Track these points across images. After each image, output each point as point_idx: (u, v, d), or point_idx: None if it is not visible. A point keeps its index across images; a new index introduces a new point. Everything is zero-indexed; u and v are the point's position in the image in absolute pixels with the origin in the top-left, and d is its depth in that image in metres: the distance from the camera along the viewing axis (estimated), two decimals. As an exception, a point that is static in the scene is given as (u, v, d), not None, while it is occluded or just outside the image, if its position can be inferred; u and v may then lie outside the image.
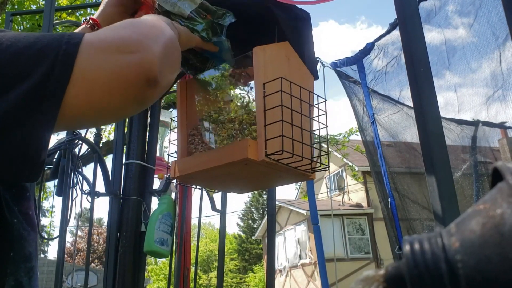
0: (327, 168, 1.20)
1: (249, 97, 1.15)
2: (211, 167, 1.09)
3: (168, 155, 1.33)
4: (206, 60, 1.15)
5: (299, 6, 1.20)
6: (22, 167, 0.56)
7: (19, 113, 0.54)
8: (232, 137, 1.11)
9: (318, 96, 1.19)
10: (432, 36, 2.93)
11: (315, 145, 1.17)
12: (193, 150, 1.20)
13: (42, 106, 0.55)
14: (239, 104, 1.15)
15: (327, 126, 1.18)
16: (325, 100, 1.19)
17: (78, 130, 1.95)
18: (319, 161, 1.16)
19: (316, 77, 1.24)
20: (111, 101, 0.61)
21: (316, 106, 1.18)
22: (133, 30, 0.65)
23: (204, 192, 2.04)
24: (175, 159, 1.21)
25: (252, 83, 1.16)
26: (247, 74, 1.19)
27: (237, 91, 1.18)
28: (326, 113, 1.18)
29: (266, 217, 4.54)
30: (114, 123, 2.33)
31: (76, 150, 1.95)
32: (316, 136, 1.18)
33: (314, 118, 1.17)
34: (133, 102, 0.63)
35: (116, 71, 0.60)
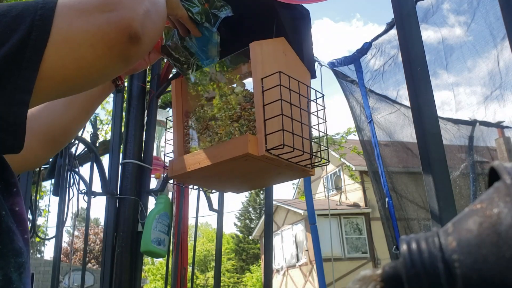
0: (328, 163, 1.19)
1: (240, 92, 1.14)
2: (210, 165, 1.08)
3: (165, 155, 1.32)
4: (191, 55, 1.14)
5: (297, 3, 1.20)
6: (5, 135, 0.55)
7: None
8: (231, 134, 1.10)
9: (316, 91, 1.19)
10: (429, 35, 2.94)
11: (314, 140, 1.17)
12: (191, 149, 1.19)
13: (20, 71, 0.55)
14: (234, 101, 1.14)
15: (325, 121, 1.17)
16: (323, 95, 1.18)
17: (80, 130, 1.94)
18: (319, 155, 1.15)
19: (313, 75, 1.24)
20: (96, 60, 0.61)
21: (315, 101, 1.18)
22: None
23: (201, 192, 2.03)
24: (171, 158, 1.20)
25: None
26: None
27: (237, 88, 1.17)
28: (324, 108, 1.18)
29: (263, 217, 4.54)
30: (111, 123, 2.33)
31: (73, 149, 1.95)
32: (316, 131, 1.18)
33: (313, 113, 1.17)
34: (118, 59, 0.63)
35: (97, 29, 0.60)
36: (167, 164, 1.20)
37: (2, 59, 0.54)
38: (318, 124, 1.17)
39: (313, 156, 1.14)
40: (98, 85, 0.73)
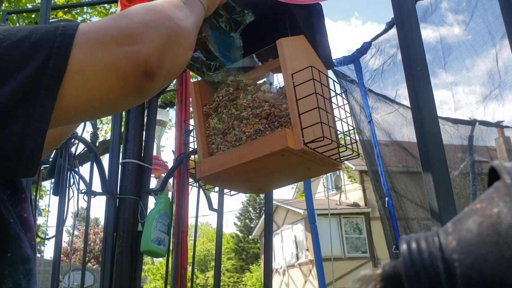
0: (358, 156, 1.19)
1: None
2: (245, 162, 1.06)
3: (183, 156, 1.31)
4: (214, 58, 1.14)
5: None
6: (19, 162, 0.54)
7: (14, 107, 0.53)
8: (260, 131, 1.09)
9: (340, 85, 1.20)
10: (427, 34, 2.94)
11: (345, 133, 1.18)
12: (215, 150, 1.18)
13: (37, 100, 0.54)
14: (262, 97, 1.13)
15: (351, 115, 1.19)
16: (346, 89, 1.20)
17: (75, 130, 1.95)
18: (351, 148, 1.16)
19: (331, 66, 1.25)
20: (109, 92, 0.60)
21: (341, 95, 1.18)
22: (133, 18, 0.63)
23: (201, 192, 2.03)
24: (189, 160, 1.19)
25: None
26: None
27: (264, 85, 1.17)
28: (348, 102, 1.19)
29: (263, 216, 4.54)
30: (111, 123, 2.33)
31: (73, 149, 1.95)
32: (344, 124, 1.18)
33: (340, 107, 1.18)
34: (131, 93, 0.62)
35: (112, 63, 0.58)
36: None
37: (20, 87, 0.53)
38: (346, 117, 1.18)
39: (346, 149, 1.15)
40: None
